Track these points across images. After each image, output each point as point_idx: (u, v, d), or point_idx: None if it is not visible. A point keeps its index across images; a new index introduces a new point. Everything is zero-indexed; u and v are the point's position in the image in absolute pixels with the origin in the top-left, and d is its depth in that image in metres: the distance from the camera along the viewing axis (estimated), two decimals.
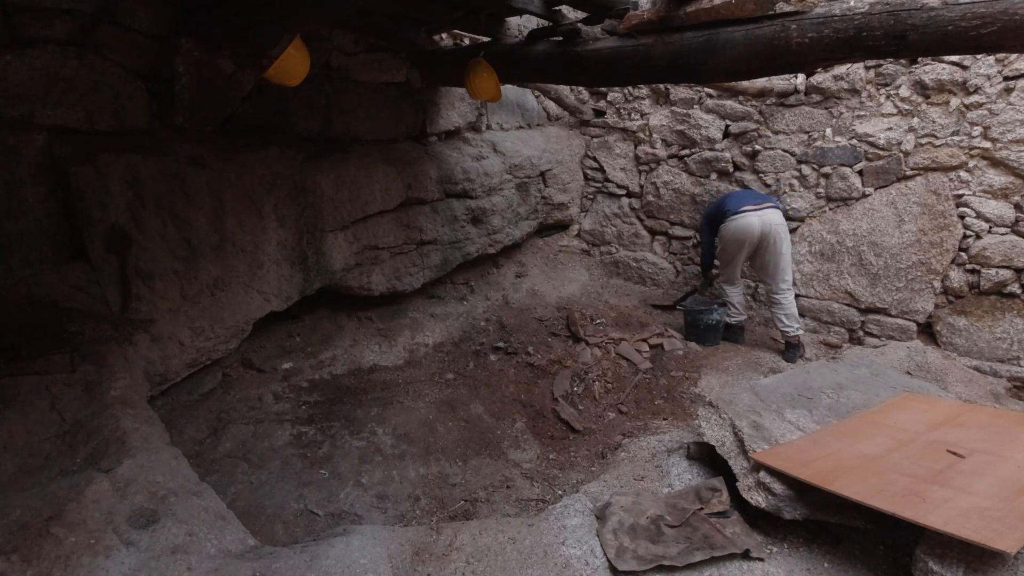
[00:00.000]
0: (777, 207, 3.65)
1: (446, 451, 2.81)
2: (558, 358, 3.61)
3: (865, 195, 3.79)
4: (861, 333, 3.88)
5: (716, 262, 4.00)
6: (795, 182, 4.06)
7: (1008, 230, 3.38)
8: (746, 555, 1.77)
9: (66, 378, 2.07)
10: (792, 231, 4.09)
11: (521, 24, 3.54)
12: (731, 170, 4.32)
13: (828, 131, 3.86)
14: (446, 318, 4.04)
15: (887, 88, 3.64)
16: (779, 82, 3.93)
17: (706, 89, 4.31)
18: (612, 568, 1.74)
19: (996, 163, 3.36)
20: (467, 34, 3.68)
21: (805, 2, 3.41)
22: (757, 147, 4.16)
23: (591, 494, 2.22)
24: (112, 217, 2.21)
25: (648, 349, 3.71)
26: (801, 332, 3.71)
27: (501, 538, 1.88)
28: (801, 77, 3.87)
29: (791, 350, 3.65)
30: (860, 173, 3.79)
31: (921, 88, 3.51)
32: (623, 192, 4.94)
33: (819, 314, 4.04)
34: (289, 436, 2.75)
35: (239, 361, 3.20)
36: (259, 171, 2.76)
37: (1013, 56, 3.22)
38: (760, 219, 3.55)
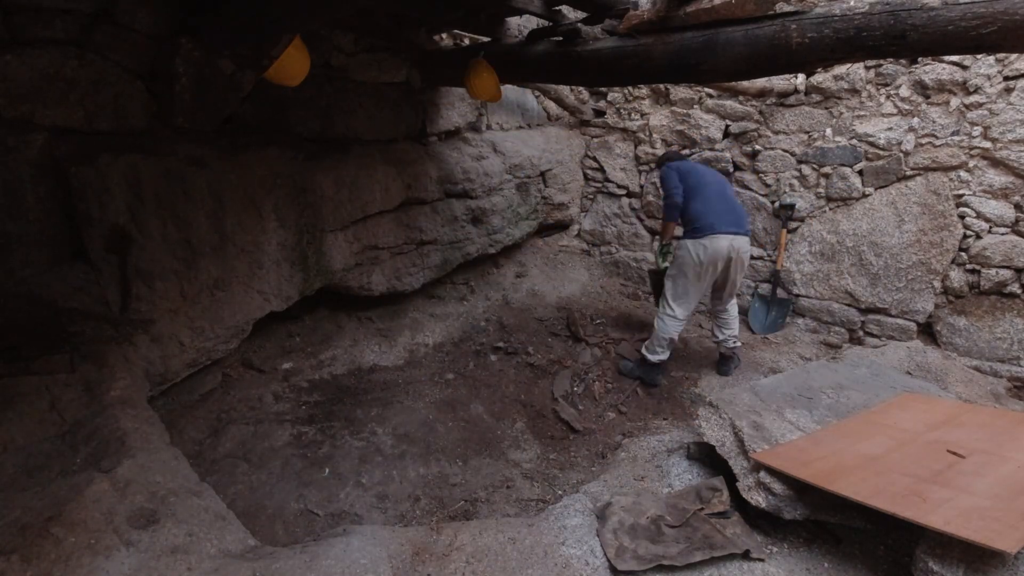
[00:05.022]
0: (747, 233, 3.25)
1: (446, 451, 2.81)
2: (558, 358, 3.61)
3: (865, 195, 3.79)
4: (861, 333, 3.88)
5: (665, 265, 3.49)
6: (795, 182, 4.06)
7: (1008, 230, 3.38)
8: (746, 555, 1.77)
9: (66, 378, 2.07)
10: (792, 231, 4.10)
11: (521, 24, 3.53)
12: (731, 170, 4.32)
13: (828, 131, 3.86)
14: (446, 318, 4.03)
15: (887, 88, 3.63)
16: (779, 82, 3.93)
17: (706, 89, 4.31)
18: (612, 568, 1.74)
19: (996, 163, 3.36)
20: (467, 34, 3.68)
21: (805, 2, 3.40)
22: (757, 147, 4.16)
23: (591, 494, 2.22)
24: (112, 217, 2.21)
25: None
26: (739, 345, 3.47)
27: (501, 538, 1.88)
28: (801, 77, 3.87)
29: (726, 363, 3.48)
30: (860, 173, 3.79)
31: (921, 88, 3.50)
32: (623, 192, 4.94)
33: (819, 314, 4.04)
34: (289, 436, 2.75)
35: (239, 361, 3.20)
36: (259, 171, 2.76)
37: (1013, 56, 3.22)
38: (730, 245, 3.15)
